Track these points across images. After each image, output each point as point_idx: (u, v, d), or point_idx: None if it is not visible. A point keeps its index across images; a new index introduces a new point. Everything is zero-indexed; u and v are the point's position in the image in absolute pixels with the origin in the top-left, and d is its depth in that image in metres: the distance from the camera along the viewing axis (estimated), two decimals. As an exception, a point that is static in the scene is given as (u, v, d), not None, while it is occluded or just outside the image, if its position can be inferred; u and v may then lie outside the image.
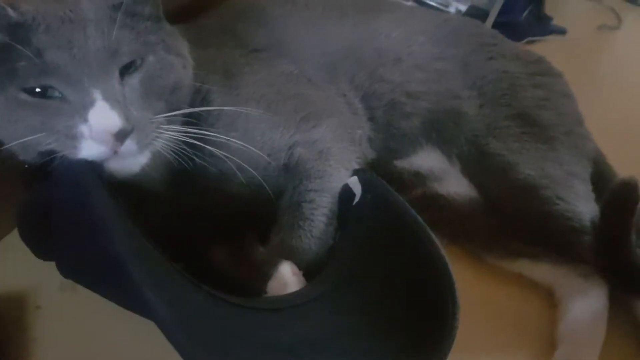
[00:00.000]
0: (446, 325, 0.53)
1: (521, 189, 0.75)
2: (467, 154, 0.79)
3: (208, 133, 0.57)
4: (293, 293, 0.59)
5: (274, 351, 0.53)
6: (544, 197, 0.73)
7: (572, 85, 0.86)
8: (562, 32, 1.42)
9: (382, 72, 0.81)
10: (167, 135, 0.55)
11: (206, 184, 0.64)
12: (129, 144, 0.52)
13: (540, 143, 0.77)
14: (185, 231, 0.65)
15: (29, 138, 0.51)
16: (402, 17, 0.88)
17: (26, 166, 0.57)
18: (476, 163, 0.79)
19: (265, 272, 0.61)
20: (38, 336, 0.66)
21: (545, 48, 1.28)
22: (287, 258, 0.62)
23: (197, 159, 0.59)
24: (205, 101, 0.64)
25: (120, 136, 0.51)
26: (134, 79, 0.54)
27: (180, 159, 0.58)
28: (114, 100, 0.51)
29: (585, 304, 0.69)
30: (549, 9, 1.46)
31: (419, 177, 0.83)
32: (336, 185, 0.68)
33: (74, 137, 0.51)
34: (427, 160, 0.82)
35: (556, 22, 1.44)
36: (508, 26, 1.23)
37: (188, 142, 0.57)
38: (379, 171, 0.72)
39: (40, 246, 0.63)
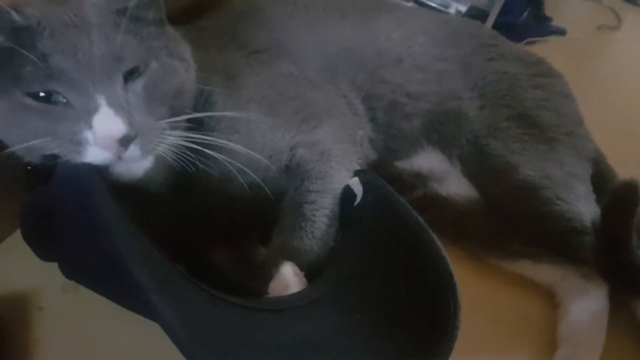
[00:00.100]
0: (447, 325, 0.53)
1: (521, 189, 0.75)
2: (468, 154, 0.80)
3: (210, 139, 0.57)
4: (294, 294, 0.59)
5: (276, 352, 0.53)
6: (545, 198, 0.74)
7: (572, 86, 0.87)
8: (561, 32, 1.42)
9: (382, 73, 0.81)
10: (170, 140, 0.55)
11: (208, 186, 0.64)
12: (133, 150, 0.52)
13: (541, 144, 0.77)
14: (186, 232, 0.65)
15: (32, 142, 0.51)
16: (402, 18, 0.88)
17: (29, 167, 0.57)
18: (477, 164, 0.79)
19: (267, 273, 0.61)
20: (40, 337, 0.66)
21: (545, 49, 1.28)
22: (289, 259, 0.62)
23: (199, 164, 0.59)
24: (207, 103, 0.64)
25: (125, 142, 0.51)
26: (138, 85, 0.54)
27: (182, 163, 0.58)
28: (118, 106, 0.51)
29: (586, 305, 0.70)
30: (548, 9, 1.46)
31: (419, 178, 0.83)
32: (337, 186, 0.68)
33: (78, 143, 0.51)
34: (427, 161, 0.82)
35: (556, 22, 1.45)
36: (508, 27, 1.24)
37: (190, 147, 0.57)
38: (380, 172, 0.72)
39: (43, 247, 0.64)
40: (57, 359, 0.64)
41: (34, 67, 0.49)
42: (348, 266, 0.63)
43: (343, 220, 0.68)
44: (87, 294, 0.63)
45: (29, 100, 0.50)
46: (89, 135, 0.50)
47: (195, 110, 0.61)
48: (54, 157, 0.53)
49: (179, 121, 0.57)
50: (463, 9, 1.29)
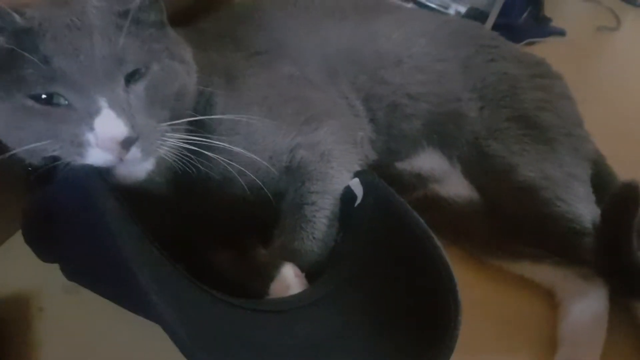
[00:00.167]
0: (448, 326, 0.53)
1: (521, 190, 0.75)
2: (468, 155, 0.80)
3: (211, 141, 0.57)
4: (295, 295, 0.59)
5: (276, 352, 0.53)
6: (544, 199, 0.74)
7: (571, 86, 0.87)
8: (561, 33, 1.42)
9: (382, 74, 0.81)
10: (171, 142, 0.56)
11: (208, 187, 0.64)
12: (135, 152, 0.52)
13: (541, 145, 0.78)
14: (187, 233, 0.65)
15: (34, 145, 0.51)
16: (402, 19, 0.88)
17: (29, 169, 0.57)
18: (477, 164, 0.79)
19: (268, 274, 0.61)
20: (41, 338, 0.66)
21: (544, 49, 1.28)
22: (290, 260, 0.62)
23: (200, 166, 0.59)
24: (208, 105, 0.64)
25: (126, 144, 0.51)
26: (139, 87, 0.54)
27: (184, 165, 0.58)
28: (119, 108, 0.51)
29: (586, 306, 0.70)
30: (548, 10, 1.46)
31: (419, 179, 0.83)
32: (338, 187, 0.68)
33: (79, 145, 0.51)
34: (428, 161, 0.82)
35: (555, 23, 1.45)
36: (507, 28, 1.24)
37: (191, 148, 0.57)
38: (380, 173, 0.72)
39: (44, 248, 0.64)
40: (58, 360, 0.64)
41: (35, 69, 0.49)
42: (348, 267, 0.63)
43: (343, 221, 0.68)
44: (87, 295, 0.63)
45: (31, 103, 0.50)
46: (90, 137, 0.51)
47: (196, 112, 0.61)
48: (55, 158, 0.53)
49: (179, 123, 0.57)
50: (463, 9, 1.29)
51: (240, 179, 0.63)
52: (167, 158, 0.57)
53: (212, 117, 0.62)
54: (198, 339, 0.48)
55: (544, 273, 0.75)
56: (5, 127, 0.53)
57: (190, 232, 0.66)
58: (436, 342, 0.52)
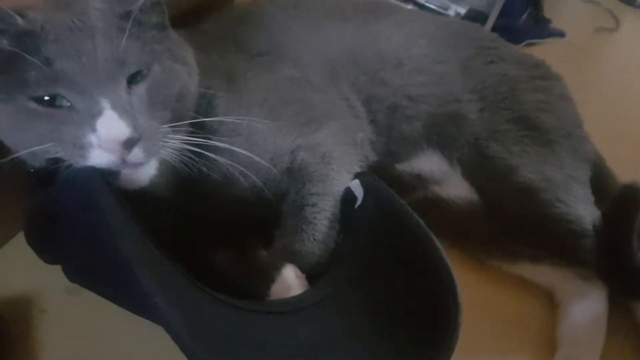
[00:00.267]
0: (448, 327, 0.53)
1: (521, 191, 0.75)
2: (468, 157, 0.80)
3: (212, 142, 0.57)
4: (296, 296, 0.59)
5: (277, 353, 0.53)
6: (544, 200, 0.74)
7: (570, 87, 0.87)
8: (560, 34, 1.43)
9: (383, 76, 0.81)
10: (172, 143, 0.56)
11: (209, 188, 0.64)
12: (137, 152, 0.52)
13: (540, 146, 0.78)
14: (187, 233, 0.65)
15: (37, 147, 0.51)
16: (402, 21, 0.88)
17: (31, 170, 0.57)
18: (477, 166, 0.79)
19: (268, 276, 0.61)
20: (43, 339, 0.66)
21: (544, 50, 1.29)
22: (290, 261, 0.62)
23: (203, 168, 0.59)
24: (210, 106, 0.64)
25: (128, 145, 0.51)
26: (141, 88, 0.54)
27: (186, 166, 0.58)
28: (121, 109, 0.51)
29: (585, 306, 0.70)
30: (547, 11, 1.47)
31: (420, 180, 0.83)
32: (338, 189, 0.68)
33: (82, 146, 0.51)
34: (428, 163, 0.82)
35: (555, 24, 1.45)
36: (507, 29, 1.24)
37: (193, 149, 0.57)
38: (380, 174, 0.72)
39: (46, 250, 0.64)
40: (59, 361, 0.64)
41: (38, 71, 0.49)
42: (349, 268, 0.63)
43: (344, 223, 0.68)
44: (89, 297, 0.63)
45: (34, 105, 0.50)
46: (93, 138, 0.51)
47: (198, 113, 0.61)
48: (57, 160, 0.53)
49: (181, 125, 0.57)
50: (462, 11, 1.29)
51: (241, 180, 0.63)
52: (169, 159, 0.57)
53: (214, 119, 0.62)
54: (199, 340, 0.48)
55: (544, 274, 0.75)
56: (7, 130, 0.54)
57: (191, 233, 0.66)
58: (436, 342, 0.52)
